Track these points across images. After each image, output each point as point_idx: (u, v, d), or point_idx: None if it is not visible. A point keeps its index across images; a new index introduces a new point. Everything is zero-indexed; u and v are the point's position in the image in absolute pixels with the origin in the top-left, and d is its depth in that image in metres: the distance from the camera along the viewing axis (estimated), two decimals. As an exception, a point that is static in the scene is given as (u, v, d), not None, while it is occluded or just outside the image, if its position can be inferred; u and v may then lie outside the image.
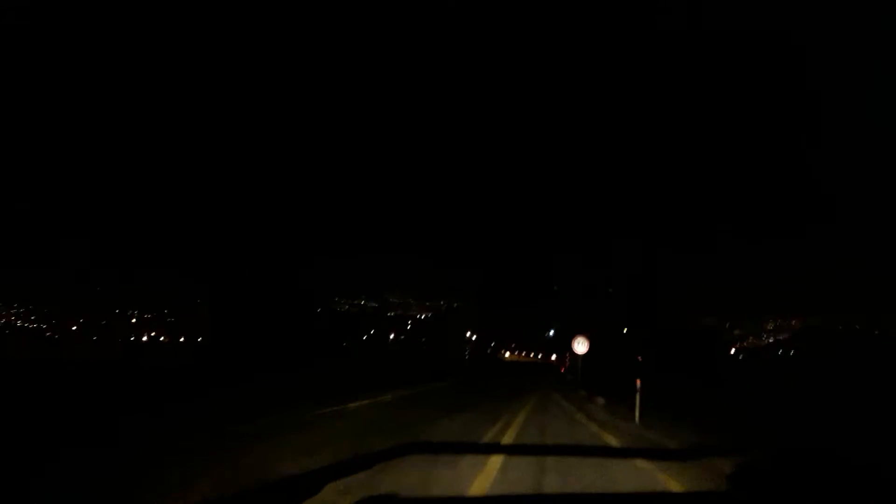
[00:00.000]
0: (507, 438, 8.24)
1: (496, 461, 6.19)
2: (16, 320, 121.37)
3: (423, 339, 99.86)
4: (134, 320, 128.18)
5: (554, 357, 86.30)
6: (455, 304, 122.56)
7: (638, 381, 12.11)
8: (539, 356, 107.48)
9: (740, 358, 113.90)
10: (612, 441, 8.66)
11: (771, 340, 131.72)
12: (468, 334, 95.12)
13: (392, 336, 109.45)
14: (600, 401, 16.25)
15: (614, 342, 37.09)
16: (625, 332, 66.20)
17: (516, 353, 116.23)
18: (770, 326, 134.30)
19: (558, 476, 5.62)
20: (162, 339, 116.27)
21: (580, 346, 25.08)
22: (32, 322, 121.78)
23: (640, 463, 6.66)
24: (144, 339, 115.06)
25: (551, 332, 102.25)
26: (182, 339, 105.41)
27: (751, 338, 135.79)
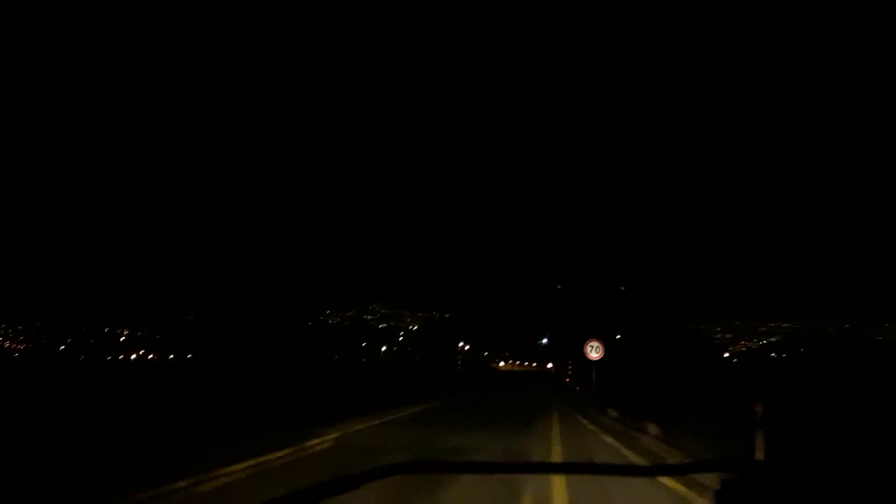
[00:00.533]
0: None
1: None
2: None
3: (409, 349, 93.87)
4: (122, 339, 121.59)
5: (550, 365, 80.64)
6: (448, 314, 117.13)
7: (758, 407, 6.56)
8: (534, 364, 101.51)
9: (734, 361, 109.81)
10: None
11: (763, 343, 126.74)
12: (461, 344, 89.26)
13: (384, 348, 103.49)
14: (653, 430, 10.63)
15: (631, 348, 31.37)
16: (618, 337, 60.47)
17: (511, 362, 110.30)
18: (762, 329, 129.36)
19: None
20: (151, 357, 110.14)
21: (594, 351, 19.47)
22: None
23: None
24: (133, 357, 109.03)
25: (545, 340, 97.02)
26: (171, 357, 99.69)
27: (742, 341, 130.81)
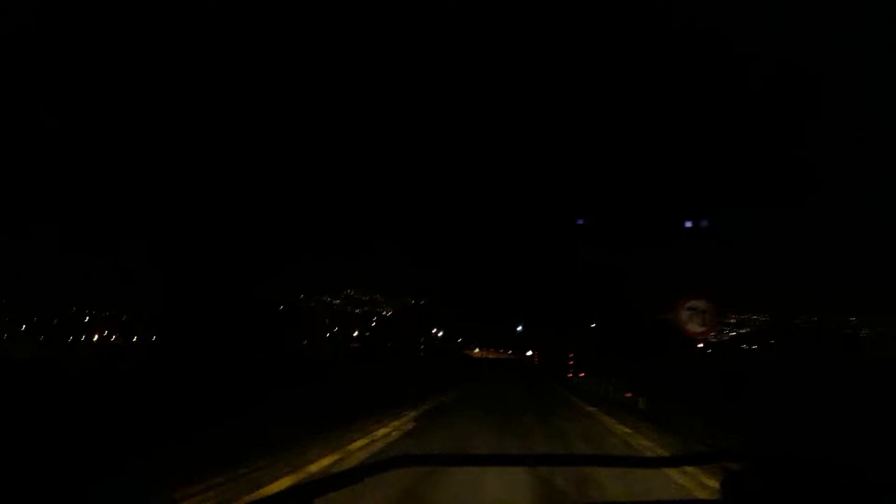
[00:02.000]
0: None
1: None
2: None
3: (360, 338, 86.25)
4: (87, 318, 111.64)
5: (530, 353, 73.90)
6: (423, 301, 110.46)
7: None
8: (509, 352, 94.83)
9: (708, 352, 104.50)
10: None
11: (733, 334, 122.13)
12: (434, 330, 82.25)
13: (356, 333, 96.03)
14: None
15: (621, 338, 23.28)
16: (592, 326, 53.22)
17: (485, 349, 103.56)
18: (732, 320, 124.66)
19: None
20: (114, 338, 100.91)
21: (695, 321, 8.71)
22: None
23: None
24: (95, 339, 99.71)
25: (520, 327, 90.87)
26: (135, 339, 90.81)
27: (714, 333, 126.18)
